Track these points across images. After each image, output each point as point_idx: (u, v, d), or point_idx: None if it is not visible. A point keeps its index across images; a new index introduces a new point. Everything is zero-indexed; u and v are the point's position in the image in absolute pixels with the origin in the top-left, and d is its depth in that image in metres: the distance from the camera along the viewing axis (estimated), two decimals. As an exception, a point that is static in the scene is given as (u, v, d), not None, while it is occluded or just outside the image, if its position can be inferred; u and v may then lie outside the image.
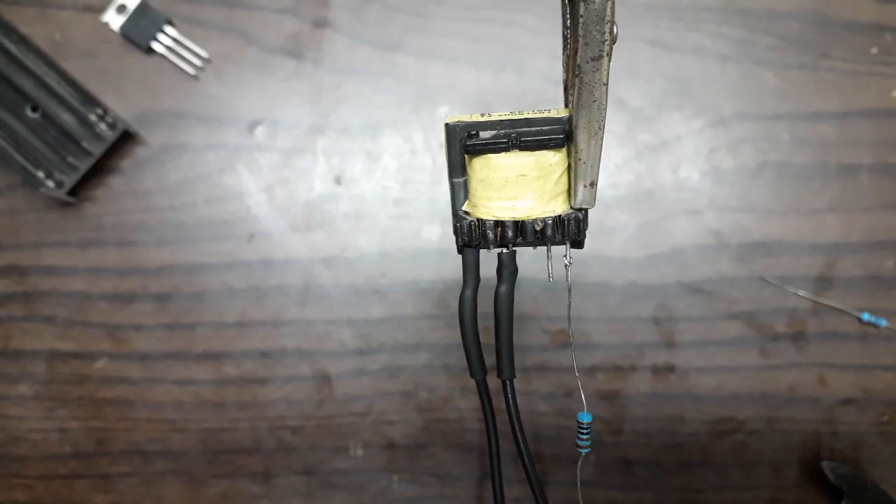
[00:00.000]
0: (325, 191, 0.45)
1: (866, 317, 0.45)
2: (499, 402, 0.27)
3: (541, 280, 0.22)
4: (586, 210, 0.23)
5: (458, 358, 0.44)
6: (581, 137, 0.21)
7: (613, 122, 0.45)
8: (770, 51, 0.45)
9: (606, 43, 0.19)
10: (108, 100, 0.44)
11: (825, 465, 0.44)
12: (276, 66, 0.45)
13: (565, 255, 0.24)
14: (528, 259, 0.26)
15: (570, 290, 0.25)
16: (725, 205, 0.45)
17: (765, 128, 0.45)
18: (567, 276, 0.24)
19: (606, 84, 0.20)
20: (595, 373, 0.45)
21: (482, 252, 0.25)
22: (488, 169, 0.23)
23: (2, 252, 0.44)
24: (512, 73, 0.45)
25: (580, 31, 0.19)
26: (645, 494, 0.45)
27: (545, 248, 0.24)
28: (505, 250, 0.24)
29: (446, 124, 0.23)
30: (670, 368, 0.45)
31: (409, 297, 0.45)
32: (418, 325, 0.45)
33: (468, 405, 0.45)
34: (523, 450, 0.27)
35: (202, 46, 0.44)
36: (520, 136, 0.22)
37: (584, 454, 0.27)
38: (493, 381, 0.27)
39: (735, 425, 0.45)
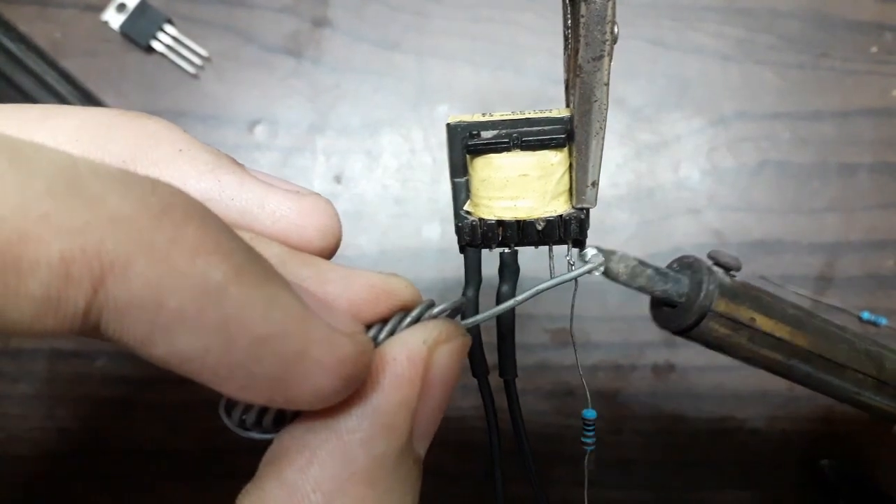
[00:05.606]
0: (325, 189, 0.45)
1: (866, 316, 0.45)
2: (500, 401, 0.27)
3: (542, 280, 0.22)
4: (588, 209, 0.23)
5: (459, 357, 0.44)
6: (582, 137, 0.21)
7: (614, 122, 0.45)
8: (770, 50, 0.45)
9: (607, 43, 0.19)
10: (108, 98, 0.43)
11: (825, 464, 0.44)
12: (275, 64, 0.45)
13: (567, 255, 0.24)
14: (530, 258, 0.26)
15: (575, 289, 0.25)
16: (726, 204, 0.45)
17: (765, 127, 0.45)
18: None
19: (607, 84, 0.20)
20: (595, 372, 0.45)
21: (484, 251, 0.25)
22: (490, 169, 0.23)
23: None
24: (511, 72, 0.45)
25: (581, 31, 0.19)
26: (645, 494, 0.45)
27: (547, 247, 0.24)
28: (507, 250, 0.24)
29: (448, 124, 0.22)
30: (670, 367, 0.45)
31: (409, 297, 0.44)
32: (418, 325, 0.44)
33: (469, 404, 0.45)
34: (525, 448, 0.27)
35: (202, 45, 0.44)
36: (521, 136, 0.22)
37: (588, 451, 0.27)
38: (494, 380, 0.27)
39: (735, 424, 0.45)
